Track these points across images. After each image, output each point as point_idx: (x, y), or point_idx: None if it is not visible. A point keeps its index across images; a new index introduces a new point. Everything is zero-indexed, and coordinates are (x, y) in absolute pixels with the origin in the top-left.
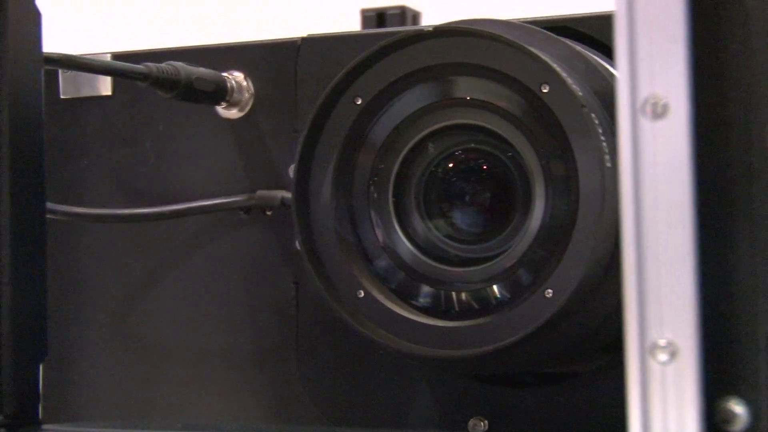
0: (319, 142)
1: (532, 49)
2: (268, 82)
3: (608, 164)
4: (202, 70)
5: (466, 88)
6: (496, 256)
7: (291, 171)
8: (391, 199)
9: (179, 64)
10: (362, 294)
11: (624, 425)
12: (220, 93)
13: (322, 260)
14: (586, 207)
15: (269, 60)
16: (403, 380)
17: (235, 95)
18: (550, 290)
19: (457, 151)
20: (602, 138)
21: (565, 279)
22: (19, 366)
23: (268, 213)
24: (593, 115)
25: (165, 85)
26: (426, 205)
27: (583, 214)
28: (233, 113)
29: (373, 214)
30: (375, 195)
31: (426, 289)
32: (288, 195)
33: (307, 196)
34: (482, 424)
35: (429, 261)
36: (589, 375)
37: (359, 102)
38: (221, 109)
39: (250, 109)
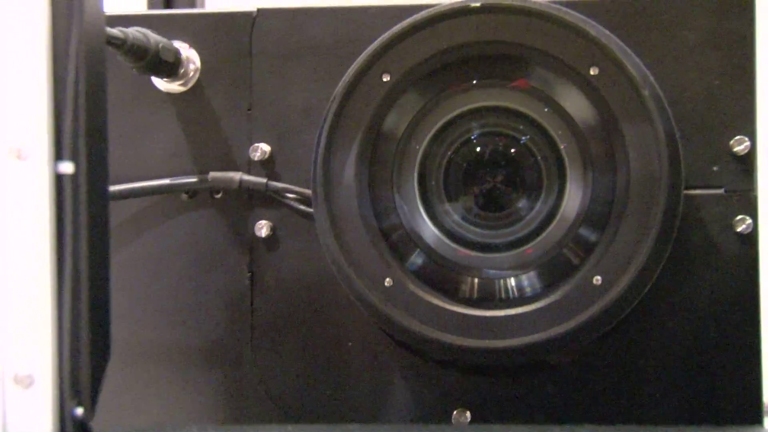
0: (341, 122)
1: (588, 29)
2: (217, 55)
3: (664, 149)
4: (163, 39)
5: (504, 68)
6: (530, 240)
7: (251, 151)
8: (416, 183)
9: (145, 31)
10: (390, 282)
11: (603, 412)
12: (177, 64)
13: (348, 248)
14: (638, 192)
15: (219, 31)
16: (377, 373)
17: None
18: (598, 277)
19: (487, 134)
20: (659, 123)
21: (616, 265)
22: (95, 367)
23: (217, 196)
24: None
25: (137, 54)
26: (453, 189)
27: (636, 199)
28: (175, 87)
29: (397, 198)
30: (399, 178)
31: (458, 276)
32: (247, 177)
33: (330, 179)
34: (465, 415)
35: (458, 247)
36: (568, 365)
37: (387, 79)
38: (162, 83)
39: (195, 84)
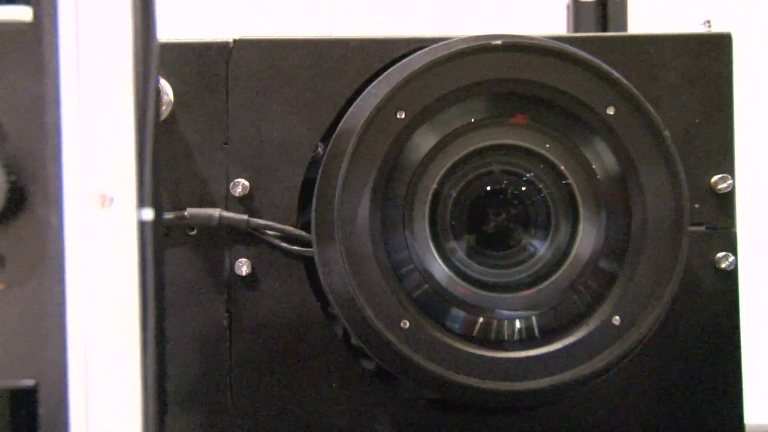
0: (355, 160)
1: (606, 68)
2: (191, 87)
3: (684, 189)
4: None
5: (518, 106)
6: (544, 281)
7: (233, 187)
8: (427, 222)
9: None
10: (407, 324)
11: None
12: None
13: (363, 288)
14: (656, 233)
15: (193, 62)
16: (359, 413)
17: None
18: (617, 317)
19: (498, 173)
20: (677, 164)
21: (634, 305)
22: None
23: (192, 233)
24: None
25: None
26: (465, 228)
27: (653, 239)
28: None
29: (409, 237)
30: (410, 216)
31: (471, 317)
32: (227, 214)
33: (345, 219)
34: None
35: (471, 287)
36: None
37: (402, 116)
38: None
39: (168, 116)
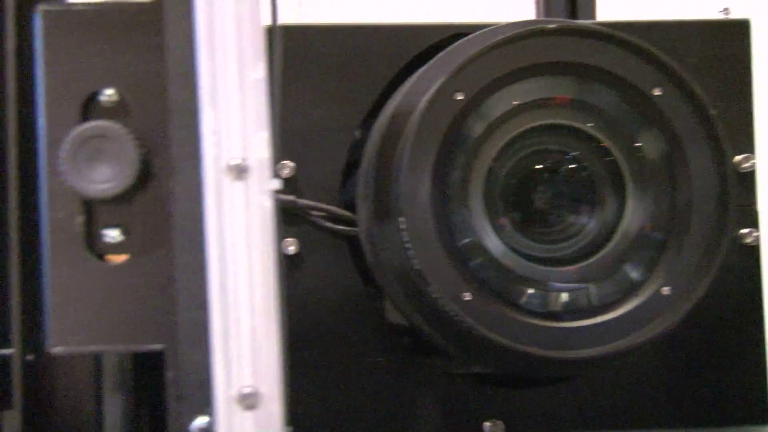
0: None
1: (655, 50)
2: None
3: (730, 164)
4: None
5: (570, 87)
6: (594, 254)
7: (279, 168)
8: (482, 198)
9: None
10: (468, 296)
11: (636, 419)
12: None
13: (426, 263)
14: (702, 207)
15: None
16: (405, 388)
17: None
18: (667, 288)
19: (550, 151)
20: (722, 141)
21: (682, 276)
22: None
23: None
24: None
25: None
26: (516, 205)
27: (699, 213)
28: None
29: (465, 213)
30: (467, 193)
31: (528, 289)
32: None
33: (408, 196)
34: (498, 424)
35: (524, 261)
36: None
37: (460, 98)
38: None
39: None
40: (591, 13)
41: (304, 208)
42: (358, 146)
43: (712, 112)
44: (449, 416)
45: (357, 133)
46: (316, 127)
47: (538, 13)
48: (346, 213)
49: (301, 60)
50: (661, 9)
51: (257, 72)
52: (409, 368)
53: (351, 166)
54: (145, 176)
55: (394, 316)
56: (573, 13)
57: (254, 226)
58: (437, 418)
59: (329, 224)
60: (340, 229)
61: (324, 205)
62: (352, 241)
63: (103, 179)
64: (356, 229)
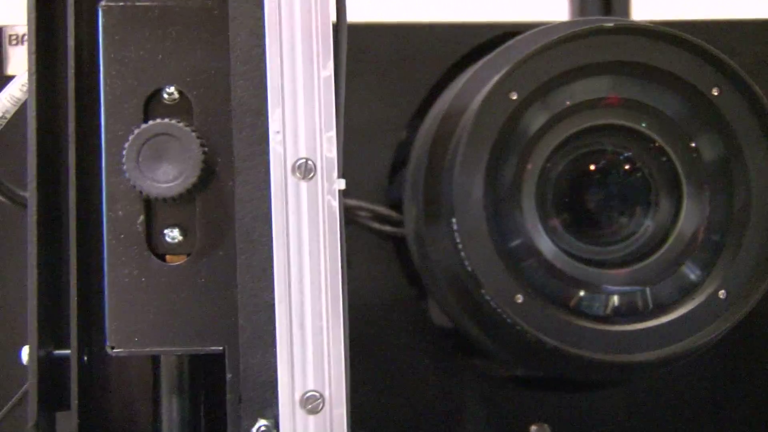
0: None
1: (714, 50)
2: None
3: None
4: None
5: (625, 87)
6: (649, 257)
7: None
8: (535, 199)
9: None
10: (521, 299)
11: (681, 425)
12: None
13: (478, 264)
14: (760, 210)
15: None
16: (450, 391)
17: None
18: (723, 291)
19: (604, 152)
20: None
21: (739, 279)
22: None
23: None
24: None
25: None
26: (569, 206)
27: (757, 216)
28: None
29: (518, 215)
30: (519, 194)
31: (581, 292)
32: None
33: (462, 197)
34: (545, 428)
35: (576, 263)
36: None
37: (515, 97)
38: None
39: None
40: (626, 11)
41: (349, 209)
42: (404, 146)
43: None
44: (494, 419)
45: (403, 133)
46: (362, 126)
47: (572, 13)
48: (393, 213)
49: (348, 58)
50: (697, 8)
51: (326, 70)
52: (453, 371)
53: (397, 167)
54: (206, 176)
55: (439, 318)
56: (608, 12)
57: (321, 227)
58: (482, 420)
59: (375, 225)
60: (387, 230)
61: (370, 206)
62: (398, 242)
63: (166, 178)
64: (402, 230)
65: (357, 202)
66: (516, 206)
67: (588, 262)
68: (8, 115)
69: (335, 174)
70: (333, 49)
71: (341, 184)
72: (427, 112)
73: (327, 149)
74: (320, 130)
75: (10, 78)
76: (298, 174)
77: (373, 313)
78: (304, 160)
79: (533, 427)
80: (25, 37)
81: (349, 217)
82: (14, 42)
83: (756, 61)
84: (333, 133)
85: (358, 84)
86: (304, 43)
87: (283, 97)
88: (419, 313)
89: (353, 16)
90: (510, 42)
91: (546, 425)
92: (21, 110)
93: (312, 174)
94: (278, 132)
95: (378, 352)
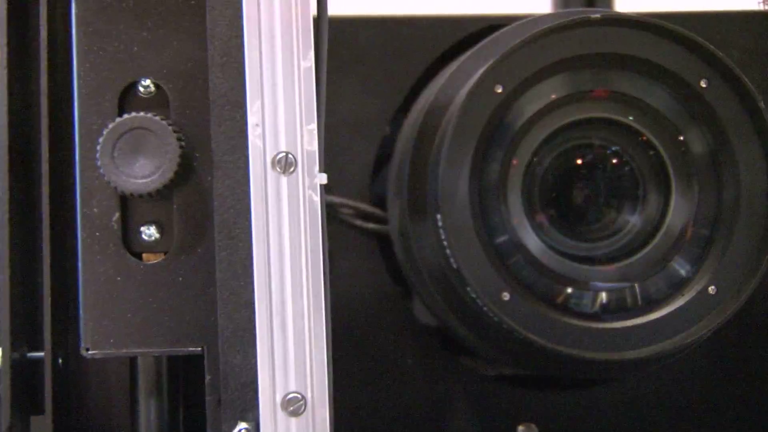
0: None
1: (701, 41)
2: None
3: None
4: None
5: (612, 80)
6: (637, 252)
7: None
8: (521, 195)
9: None
10: (507, 296)
11: (670, 424)
12: None
13: (464, 261)
14: (750, 204)
15: None
16: (437, 390)
17: None
18: (713, 286)
19: (591, 146)
20: None
21: (729, 274)
22: None
23: None
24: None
25: None
26: (555, 202)
27: (747, 210)
28: None
29: (504, 210)
30: (505, 190)
31: (568, 289)
32: None
33: (447, 193)
34: (532, 428)
35: (563, 259)
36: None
37: (500, 90)
38: None
39: None
40: (608, 2)
41: (332, 205)
42: (388, 141)
43: (761, 104)
44: (481, 419)
45: (387, 128)
46: (345, 121)
47: (555, 5)
48: (377, 210)
49: (332, 52)
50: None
51: (306, 60)
52: (439, 369)
53: (381, 162)
54: (184, 171)
55: (424, 317)
56: (591, 4)
57: (302, 223)
58: (469, 420)
59: (359, 222)
60: (371, 227)
61: (353, 202)
62: (382, 240)
63: (143, 174)
64: (386, 226)
65: (340, 199)
66: (502, 201)
67: (575, 258)
68: None
69: (316, 168)
70: (314, 40)
71: (323, 178)
72: (412, 107)
73: (308, 142)
74: (301, 122)
75: None
76: (278, 168)
77: (356, 312)
78: (284, 154)
79: (520, 428)
80: None
81: (331, 214)
82: None
83: (744, 52)
84: (314, 125)
85: (341, 78)
86: (283, 33)
87: (262, 89)
88: (404, 311)
89: (335, 8)
90: (495, 35)
91: (533, 425)
92: None
93: (293, 168)
94: (257, 125)
95: (362, 352)
